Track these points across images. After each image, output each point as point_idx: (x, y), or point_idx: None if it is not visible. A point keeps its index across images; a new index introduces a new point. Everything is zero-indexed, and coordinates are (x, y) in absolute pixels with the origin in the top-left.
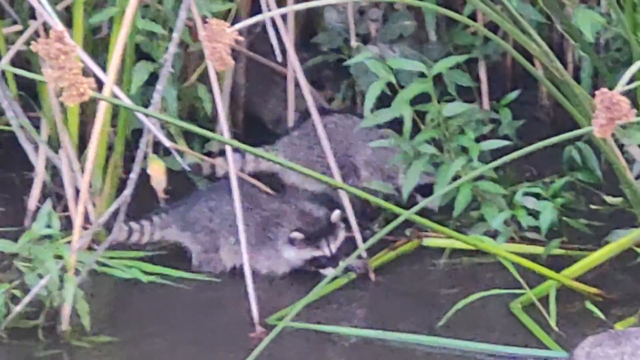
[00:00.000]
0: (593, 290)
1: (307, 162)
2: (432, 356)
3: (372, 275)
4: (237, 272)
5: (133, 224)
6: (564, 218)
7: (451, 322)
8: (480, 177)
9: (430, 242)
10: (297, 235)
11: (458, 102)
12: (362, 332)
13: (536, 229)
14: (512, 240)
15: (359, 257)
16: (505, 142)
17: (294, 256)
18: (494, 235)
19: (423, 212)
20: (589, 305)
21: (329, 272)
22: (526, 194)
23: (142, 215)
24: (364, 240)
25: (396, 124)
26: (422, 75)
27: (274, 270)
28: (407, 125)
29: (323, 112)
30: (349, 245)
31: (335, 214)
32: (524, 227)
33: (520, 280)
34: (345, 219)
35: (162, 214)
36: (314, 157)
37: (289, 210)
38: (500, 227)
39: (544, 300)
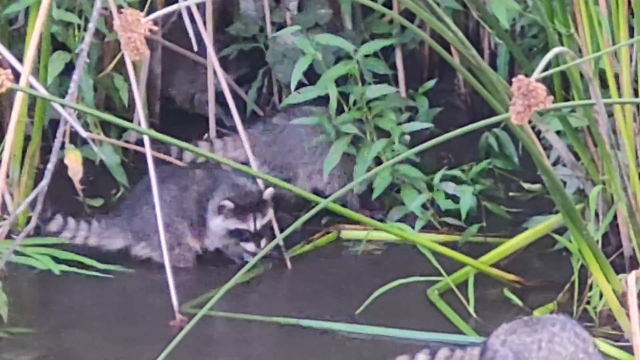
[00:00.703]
0: (511, 276)
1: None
2: (350, 342)
3: (288, 263)
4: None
5: (70, 220)
6: (484, 203)
7: (369, 309)
8: (400, 162)
9: (348, 234)
10: (226, 203)
11: (382, 84)
12: (281, 319)
13: (455, 215)
14: (431, 226)
15: (277, 248)
16: (427, 125)
17: (220, 225)
18: (413, 222)
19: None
20: (507, 292)
21: (250, 247)
22: (445, 178)
23: (58, 205)
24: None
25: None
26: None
27: (205, 246)
28: (333, 103)
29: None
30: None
31: (268, 192)
32: (443, 212)
33: (438, 267)
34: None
35: (103, 221)
36: (271, 154)
37: (223, 183)
38: (418, 210)
39: (462, 287)
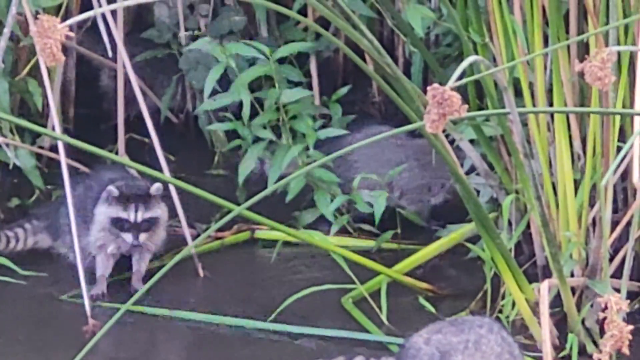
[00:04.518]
0: (424, 285)
1: None
2: (264, 343)
3: (200, 271)
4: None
5: (8, 232)
6: (398, 210)
7: (282, 317)
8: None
9: (262, 234)
10: (111, 189)
11: (297, 88)
12: (196, 316)
13: (370, 222)
14: (345, 232)
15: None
16: (342, 132)
17: (103, 212)
18: (327, 225)
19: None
20: (421, 300)
21: (128, 237)
22: (362, 185)
23: None
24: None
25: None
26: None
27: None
28: (246, 109)
29: None
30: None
31: (155, 187)
32: (357, 218)
33: (352, 275)
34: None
35: (34, 221)
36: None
37: (119, 177)
38: (331, 216)
39: (377, 295)
